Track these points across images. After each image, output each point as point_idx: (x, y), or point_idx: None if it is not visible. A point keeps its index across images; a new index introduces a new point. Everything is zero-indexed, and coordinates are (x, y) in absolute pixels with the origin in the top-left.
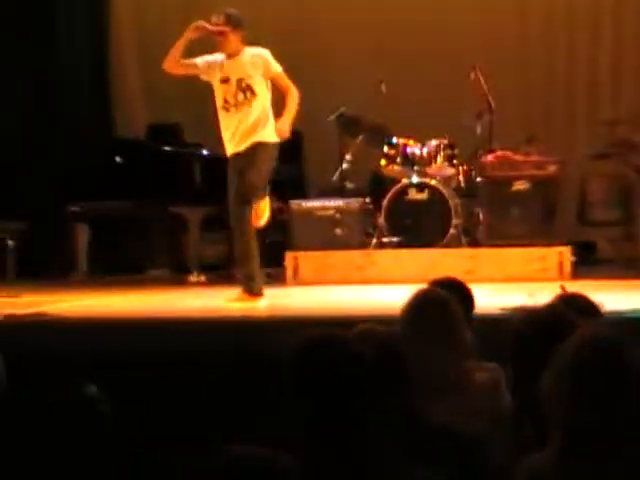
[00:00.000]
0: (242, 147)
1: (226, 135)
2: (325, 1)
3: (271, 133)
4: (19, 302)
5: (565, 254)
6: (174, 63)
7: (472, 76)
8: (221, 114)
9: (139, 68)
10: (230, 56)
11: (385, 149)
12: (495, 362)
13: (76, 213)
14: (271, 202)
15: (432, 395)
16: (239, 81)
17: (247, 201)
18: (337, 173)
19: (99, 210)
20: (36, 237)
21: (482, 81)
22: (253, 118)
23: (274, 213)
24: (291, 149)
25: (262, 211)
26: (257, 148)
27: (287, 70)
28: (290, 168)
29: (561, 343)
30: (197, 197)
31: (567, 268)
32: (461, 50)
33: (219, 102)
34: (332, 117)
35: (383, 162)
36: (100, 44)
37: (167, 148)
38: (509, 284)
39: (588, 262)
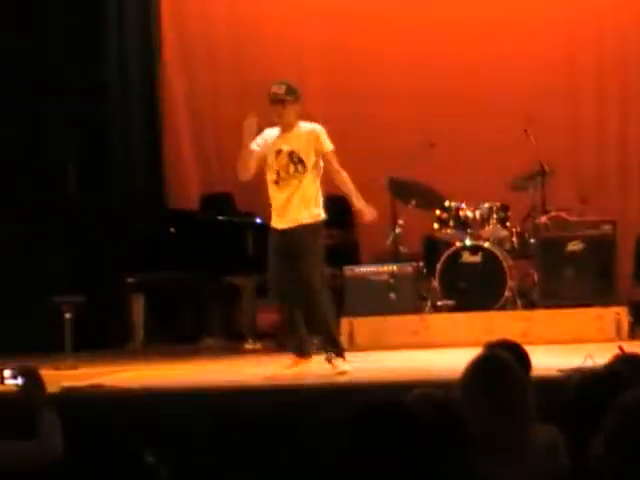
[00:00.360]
0: (289, 225)
1: (275, 210)
2: (374, 65)
3: (318, 213)
4: (77, 374)
5: (622, 314)
6: (245, 171)
7: (524, 138)
8: (271, 188)
9: (191, 139)
10: (285, 129)
11: (437, 212)
12: (553, 424)
13: (132, 284)
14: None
15: (493, 460)
16: (291, 153)
17: (315, 289)
18: (390, 238)
19: (154, 280)
20: (93, 309)
21: (534, 142)
22: (302, 194)
23: (328, 280)
24: (343, 214)
25: None
26: (306, 230)
27: (337, 134)
28: (342, 234)
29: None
30: (250, 265)
31: (624, 328)
32: (512, 112)
33: (270, 176)
34: (384, 181)
35: (436, 226)
36: (154, 117)
37: (220, 218)
38: (565, 345)
39: None
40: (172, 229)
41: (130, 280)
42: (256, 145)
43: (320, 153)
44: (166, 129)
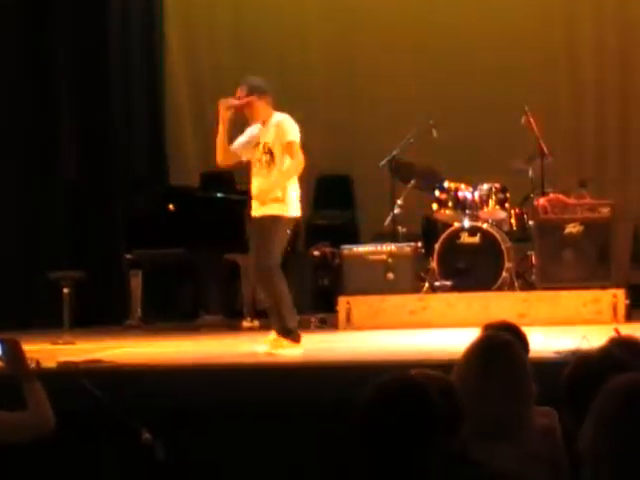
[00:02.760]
0: (257, 214)
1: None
2: (377, 46)
3: (286, 208)
4: (74, 349)
5: (619, 297)
6: (224, 153)
7: (524, 120)
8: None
9: (193, 117)
10: (264, 123)
11: (437, 193)
12: (549, 406)
13: (131, 260)
14: (324, 248)
15: (490, 442)
16: (264, 145)
17: (269, 269)
18: (389, 218)
19: (153, 257)
20: (91, 285)
21: (534, 124)
22: (267, 185)
23: (327, 258)
24: (342, 194)
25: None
26: (270, 221)
27: (338, 117)
28: (341, 213)
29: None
30: (249, 243)
31: (621, 311)
32: (513, 94)
33: (252, 167)
34: (383, 162)
35: (435, 206)
36: (155, 95)
37: (220, 195)
38: (562, 327)
39: None
40: (171, 206)
41: (129, 257)
42: (236, 143)
43: (281, 143)
44: (168, 107)
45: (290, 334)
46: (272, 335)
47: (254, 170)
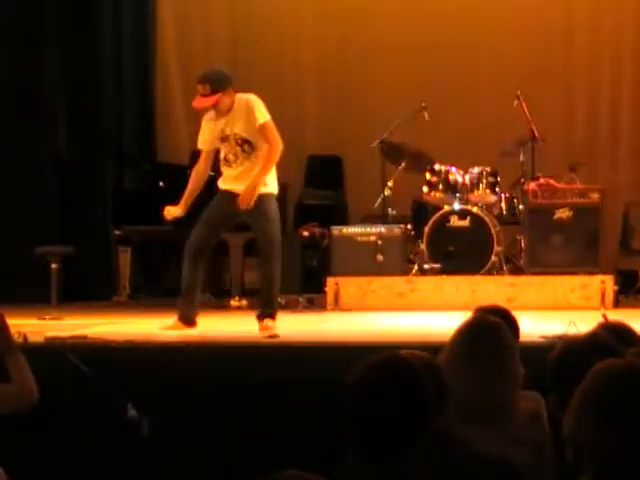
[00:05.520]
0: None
1: (225, 183)
2: (367, 26)
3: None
4: (62, 325)
5: (607, 282)
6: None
7: (515, 104)
8: (223, 170)
9: (183, 95)
10: (228, 111)
11: (427, 176)
12: (536, 391)
13: (119, 237)
14: (313, 228)
15: (477, 426)
16: (236, 137)
17: (273, 256)
18: (379, 199)
19: (142, 234)
20: (79, 260)
21: (525, 108)
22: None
23: (316, 239)
24: (332, 175)
25: None
26: (264, 200)
27: (330, 97)
28: (331, 194)
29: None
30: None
31: (609, 296)
32: (504, 78)
33: (221, 157)
34: (374, 144)
35: (425, 189)
36: (145, 71)
37: (210, 173)
38: (550, 312)
39: (631, 291)
40: (161, 183)
41: (117, 233)
42: (201, 142)
43: (254, 126)
44: (158, 85)
45: (273, 316)
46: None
47: (227, 164)
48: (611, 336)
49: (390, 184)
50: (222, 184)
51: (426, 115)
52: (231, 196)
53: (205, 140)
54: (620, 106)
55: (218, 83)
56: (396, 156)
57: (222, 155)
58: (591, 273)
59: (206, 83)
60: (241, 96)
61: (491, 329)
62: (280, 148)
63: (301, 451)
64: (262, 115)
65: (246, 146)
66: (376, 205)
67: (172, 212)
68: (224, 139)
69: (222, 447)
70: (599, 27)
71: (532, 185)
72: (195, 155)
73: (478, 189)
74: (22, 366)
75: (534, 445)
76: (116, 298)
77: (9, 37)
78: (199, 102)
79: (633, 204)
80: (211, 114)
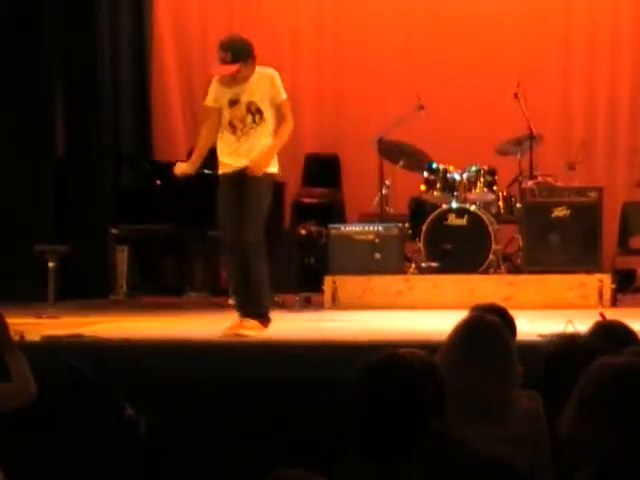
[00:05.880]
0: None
1: (224, 155)
2: (364, 24)
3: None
4: (58, 323)
5: (605, 281)
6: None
7: (513, 102)
8: (225, 135)
9: (180, 93)
10: (245, 79)
11: (425, 174)
12: (534, 389)
13: (117, 235)
14: (310, 227)
15: (475, 424)
16: (249, 104)
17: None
18: (377, 198)
19: (139, 233)
20: (77, 259)
21: (523, 107)
22: (261, 146)
23: (313, 237)
24: (330, 174)
25: None
26: (264, 178)
27: (327, 95)
28: (329, 193)
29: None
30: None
31: (607, 295)
32: (502, 77)
33: (224, 121)
34: (372, 141)
35: (423, 187)
36: (142, 70)
37: (206, 171)
38: (548, 311)
39: (628, 290)
40: (158, 181)
41: (115, 231)
42: (209, 98)
43: (274, 102)
44: (155, 83)
45: (264, 317)
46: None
47: (231, 129)
48: (608, 335)
49: (388, 182)
50: (221, 155)
51: (424, 113)
52: (229, 179)
53: (216, 99)
54: (618, 105)
55: (240, 53)
56: (394, 154)
57: (225, 120)
58: (589, 272)
59: (228, 51)
60: (262, 68)
61: (489, 328)
62: (292, 127)
63: (300, 451)
64: (283, 92)
65: (257, 116)
66: (374, 203)
67: (182, 168)
68: (233, 103)
69: (219, 446)
70: (597, 25)
71: (530, 183)
72: (192, 153)
73: (476, 187)
74: (21, 364)
75: (532, 443)
76: (113, 297)
77: (6, 36)
78: (218, 69)
79: (631, 203)
80: (226, 77)
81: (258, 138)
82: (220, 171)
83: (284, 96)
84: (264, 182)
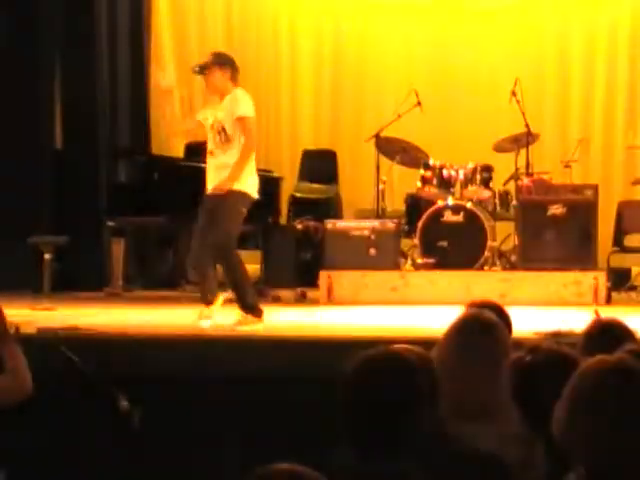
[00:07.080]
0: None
1: (207, 179)
2: (362, 22)
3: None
4: (53, 315)
5: (600, 279)
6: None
7: (510, 100)
8: (208, 159)
9: (178, 87)
10: (221, 97)
11: (422, 171)
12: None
13: (113, 228)
14: (307, 222)
15: (470, 420)
16: (216, 123)
17: (227, 251)
18: (373, 194)
19: (136, 225)
20: (73, 251)
21: (520, 105)
22: (227, 167)
23: (310, 232)
24: (327, 169)
25: None
26: (229, 197)
27: (325, 91)
28: (326, 188)
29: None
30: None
31: (602, 293)
32: (500, 75)
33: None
34: (369, 138)
35: (419, 184)
36: (140, 61)
37: (202, 165)
38: (543, 308)
39: (623, 288)
40: (155, 174)
41: (111, 224)
42: (198, 114)
43: (233, 117)
44: (152, 77)
45: (254, 309)
46: (236, 311)
47: (210, 154)
48: (602, 333)
49: (384, 178)
50: (207, 182)
51: (421, 110)
52: (207, 199)
53: (200, 113)
54: (614, 104)
55: (217, 57)
56: (391, 151)
57: (208, 147)
58: (584, 269)
59: (211, 56)
60: (236, 89)
61: (485, 325)
62: (252, 147)
63: (294, 445)
64: (244, 110)
65: (223, 135)
66: (370, 199)
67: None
68: (210, 127)
69: (214, 440)
70: (595, 24)
71: (526, 181)
72: (189, 148)
73: (472, 184)
74: (16, 356)
75: (526, 441)
76: (109, 289)
77: (5, 30)
78: (205, 80)
79: (626, 202)
80: (215, 99)
81: (224, 158)
82: None
83: (242, 113)
84: (232, 196)
